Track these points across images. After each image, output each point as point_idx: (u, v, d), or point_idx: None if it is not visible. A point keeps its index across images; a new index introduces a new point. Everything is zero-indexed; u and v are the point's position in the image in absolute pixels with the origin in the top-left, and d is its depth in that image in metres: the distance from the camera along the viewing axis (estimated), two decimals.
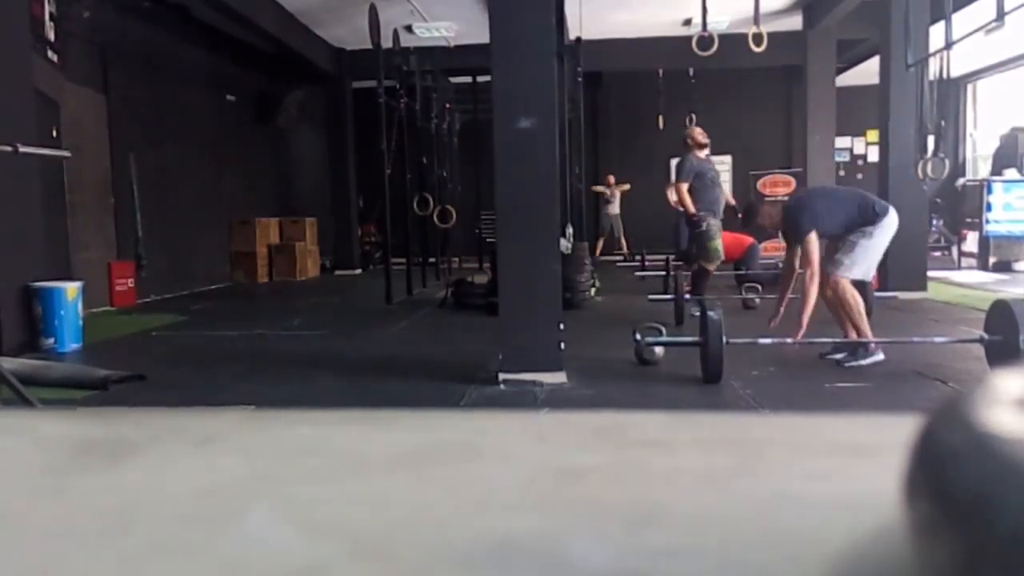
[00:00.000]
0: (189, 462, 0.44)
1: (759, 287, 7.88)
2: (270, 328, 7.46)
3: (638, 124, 15.50)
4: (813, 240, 5.00)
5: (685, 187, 7.33)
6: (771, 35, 8.10)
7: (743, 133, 15.77)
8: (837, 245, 5.11)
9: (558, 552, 0.31)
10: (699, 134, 7.47)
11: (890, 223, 5.07)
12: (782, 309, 5.43)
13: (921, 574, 0.24)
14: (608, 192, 14.58)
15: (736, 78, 14.17)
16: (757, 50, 7.80)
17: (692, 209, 7.30)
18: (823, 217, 5.07)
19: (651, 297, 7.54)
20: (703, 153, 7.41)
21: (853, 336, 5.12)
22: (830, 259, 5.09)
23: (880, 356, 5.07)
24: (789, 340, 5.08)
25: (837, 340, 5.19)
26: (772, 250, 9.44)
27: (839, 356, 5.18)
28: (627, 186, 14.60)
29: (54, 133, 7.65)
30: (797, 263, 5.28)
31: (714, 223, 7.30)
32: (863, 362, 5.04)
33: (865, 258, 5.05)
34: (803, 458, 0.42)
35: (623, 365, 5.20)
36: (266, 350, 6.36)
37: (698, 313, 6.77)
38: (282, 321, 7.88)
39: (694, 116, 13.94)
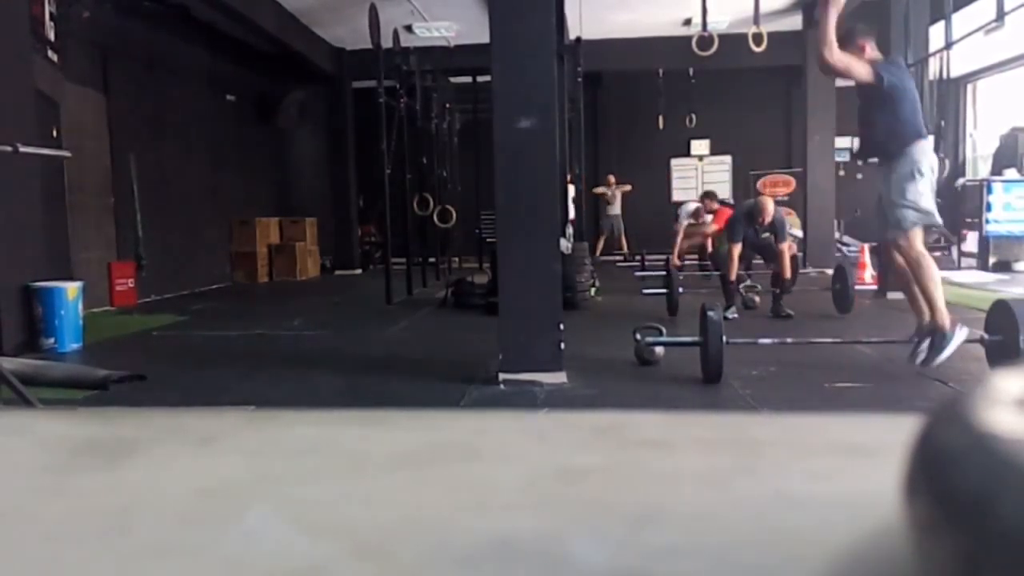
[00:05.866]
0: (189, 462, 0.44)
1: (758, 287, 7.88)
2: (270, 328, 7.46)
3: (638, 124, 15.51)
4: (863, 69, 4.58)
5: (736, 249, 7.20)
6: (771, 35, 8.10)
7: (743, 133, 15.79)
8: (888, 188, 4.56)
9: (558, 552, 0.31)
10: (760, 207, 7.29)
11: (931, 154, 4.62)
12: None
13: (921, 574, 0.24)
14: (609, 193, 14.57)
15: (736, 78, 14.17)
16: (757, 50, 7.80)
17: (732, 275, 7.25)
18: (894, 87, 4.57)
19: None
20: (760, 225, 7.23)
21: (925, 319, 4.56)
22: (886, 215, 4.60)
23: (962, 334, 4.47)
24: (789, 340, 5.08)
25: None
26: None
27: (921, 357, 4.60)
28: (628, 187, 14.60)
29: (54, 133, 7.65)
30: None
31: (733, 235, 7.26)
32: (946, 353, 4.47)
33: (923, 199, 4.49)
34: (803, 458, 0.42)
35: (623, 365, 5.20)
36: (266, 350, 6.36)
37: (732, 316, 6.83)
38: (282, 321, 7.88)
39: (694, 116, 13.99)
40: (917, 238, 4.53)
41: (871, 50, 4.80)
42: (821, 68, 4.77)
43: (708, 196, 11.25)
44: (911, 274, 4.60)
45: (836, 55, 4.54)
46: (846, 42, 4.74)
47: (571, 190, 9.87)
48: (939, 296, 4.52)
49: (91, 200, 8.94)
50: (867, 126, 4.81)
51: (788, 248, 7.53)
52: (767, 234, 7.31)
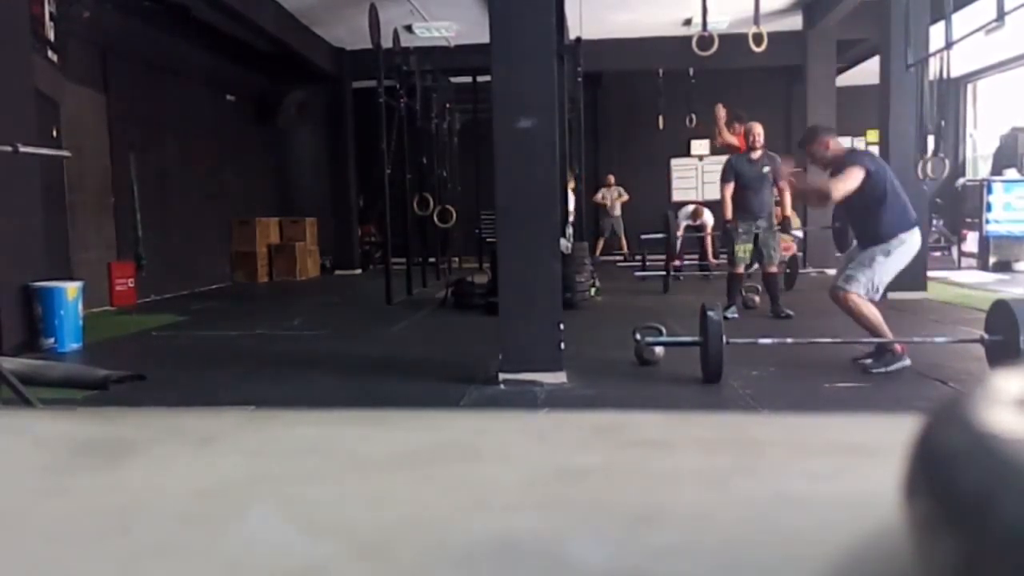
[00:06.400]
0: (189, 462, 0.44)
1: (758, 288, 7.88)
2: (270, 328, 7.46)
3: (638, 124, 15.50)
4: (856, 174, 4.74)
5: (727, 190, 7.28)
6: (771, 35, 8.09)
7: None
8: (852, 256, 4.99)
9: (558, 552, 0.31)
10: (749, 127, 7.39)
11: (913, 243, 4.95)
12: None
13: (921, 574, 0.24)
14: (608, 203, 14.60)
15: (736, 78, 14.15)
16: (757, 50, 7.79)
17: (728, 214, 7.27)
18: (879, 178, 4.86)
19: (637, 273, 7.55)
20: (755, 154, 7.28)
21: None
22: (842, 273, 5.00)
23: (907, 361, 4.95)
24: (789, 340, 5.08)
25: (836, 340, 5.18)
26: (785, 250, 9.22)
27: (867, 361, 5.09)
28: (626, 197, 14.65)
29: (54, 133, 7.65)
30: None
31: (741, 227, 7.22)
32: (889, 368, 4.92)
33: (879, 276, 4.91)
34: (803, 458, 0.42)
35: (623, 365, 5.20)
36: (266, 350, 6.36)
37: (732, 316, 6.87)
38: (282, 321, 7.88)
39: (694, 116, 13.97)
40: (857, 298, 4.88)
41: (834, 144, 5.12)
42: (823, 203, 5.12)
43: (737, 119, 10.63)
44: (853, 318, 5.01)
45: (838, 193, 4.80)
46: (809, 142, 5.14)
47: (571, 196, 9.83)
48: (884, 330, 4.93)
49: (91, 200, 8.94)
50: (858, 222, 5.09)
51: (789, 185, 7.56)
52: (766, 168, 7.29)
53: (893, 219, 4.90)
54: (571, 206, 9.54)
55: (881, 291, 5.04)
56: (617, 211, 14.58)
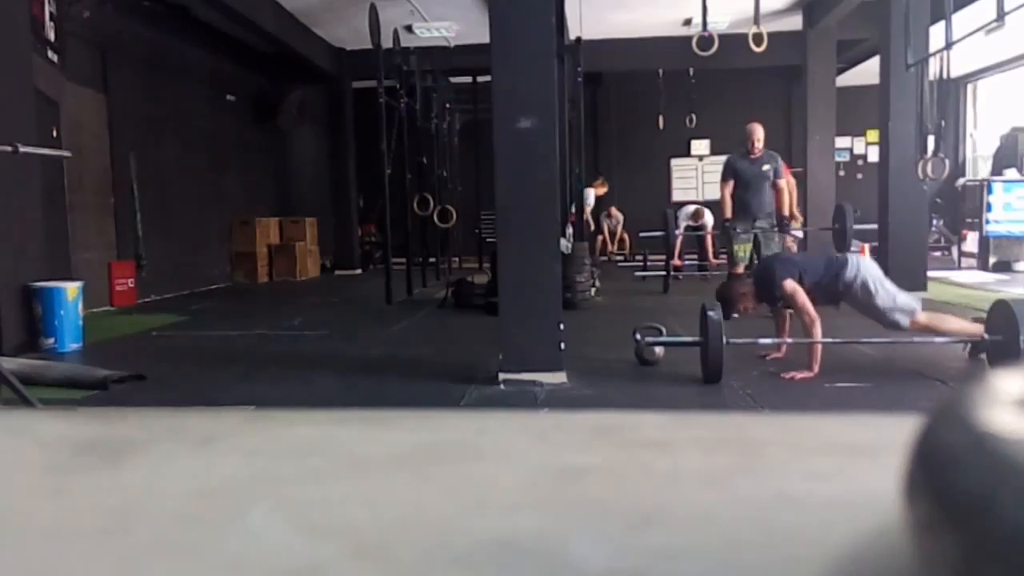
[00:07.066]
0: (189, 462, 0.44)
1: None
2: (270, 328, 7.46)
3: (638, 124, 15.51)
4: (792, 287, 4.80)
5: (726, 189, 7.32)
6: (771, 35, 8.10)
7: (743, 133, 15.77)
8: (864, 307, 4.93)
9: (558, 552, 0.31)
10: (748, 131, 7.43)
11: (862, 263, 4.98)
12: (781, 353, 5.26)
13: (921, 574, 0.24)
14: (606, 231, 14.69)
15: (736, 78, 14.17)
16: (757, 50, 7.80)
17: (727, 213, 7.29)
18: (794, 264, 4.99)
19: (637, 273, 7.57)
20: (754, 154, 7.32)
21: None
22: (887, 321, 4.85)
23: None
24: (789, 340, 5.08)
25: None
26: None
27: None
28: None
29: (54, 133, 7.64)
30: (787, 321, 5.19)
31: (740, 227, 7.21)
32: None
33: (896, 296, 4.84)
34: (803, 458, 0.42)
35: (623, 365, 5.20)
36: (266, 350, 6.36)
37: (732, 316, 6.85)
38: (282, 321, 7.88)
39: (694, 116, 13.99)
40: (919, 318, 4.84)
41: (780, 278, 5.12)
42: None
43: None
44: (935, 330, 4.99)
45: (811, 314, 4.82)
46: (773, 295, 5.11)
47: (590, 195, 9.72)
48: (960, 327, 4.94)
49: (91, 200, 8.93)
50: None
51: (789, 185, 7.59)
52: (766, 167, 7.29)
53: (839, 273, 4.89)
54: (588, 206, 9.54)
55: (914, 301, 4.95)
56: (615, 244, 14.67)
